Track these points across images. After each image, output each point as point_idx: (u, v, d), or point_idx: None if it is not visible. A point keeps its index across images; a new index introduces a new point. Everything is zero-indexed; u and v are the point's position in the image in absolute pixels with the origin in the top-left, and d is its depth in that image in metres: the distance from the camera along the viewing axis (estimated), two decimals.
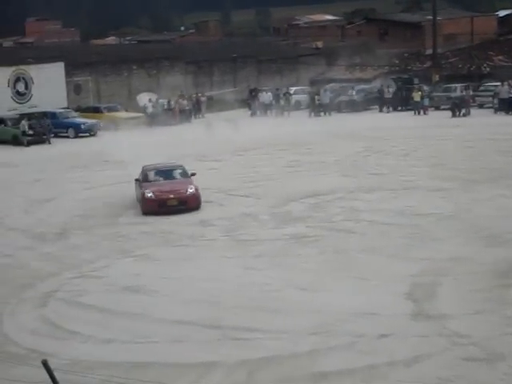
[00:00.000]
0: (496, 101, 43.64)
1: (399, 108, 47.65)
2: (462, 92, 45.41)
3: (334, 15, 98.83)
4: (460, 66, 55.02)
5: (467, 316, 13.48)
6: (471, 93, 45.81)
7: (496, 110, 43.45)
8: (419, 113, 45.30)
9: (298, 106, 50.00)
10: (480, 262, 16.46)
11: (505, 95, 43.13)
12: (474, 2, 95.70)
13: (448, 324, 13.12)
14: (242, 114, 48.09)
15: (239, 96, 53.31)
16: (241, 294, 15.22)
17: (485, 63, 54.35)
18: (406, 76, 51.43)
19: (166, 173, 23.34)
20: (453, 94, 45.58)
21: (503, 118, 41.15)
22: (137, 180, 23.15)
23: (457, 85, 47.01)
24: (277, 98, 49.35)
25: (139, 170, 23.59)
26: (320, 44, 67.24)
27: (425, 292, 14.87)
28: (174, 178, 23.19)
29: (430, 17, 55.22)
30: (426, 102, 45.72)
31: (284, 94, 49.59)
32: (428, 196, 23.12)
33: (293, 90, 51.40)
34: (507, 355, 11.74)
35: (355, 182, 25.60)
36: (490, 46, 57.78)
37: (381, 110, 47.72)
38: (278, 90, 50.28)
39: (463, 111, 43.36)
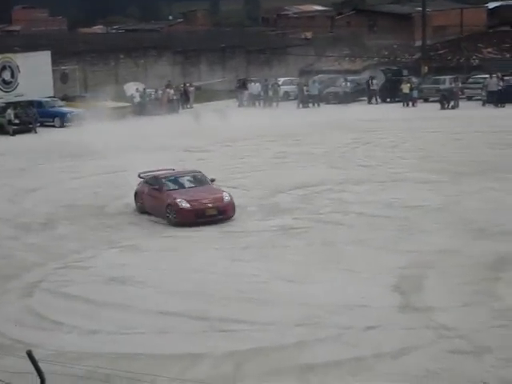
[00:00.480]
0: (484, 93, 43.68)
1: (388, 100, 47.64)
2: (450, 84, 45.39)
3: (323, 6, 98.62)
4: (449, 57, 55.02)
5: (454, 309, 13.47)
6: (460, 85, 45.79)
7: (484, 103, 43.49)
8: (408, 105, 45.29)
9: (286, 97, 49.90)
10: (468, 254, 16.45)
11: (493, 88, 43.14)
12: None
13: (435, 316, 13.10)
14: (231, 104, 47.98)
15: (228, 86, 53.17)
16: (228, 285, 15.15)
17: (474, 55, 54.37)
18: (395, 67, 51.39)
19: (187, 179, 21.11)
20: (442, 86, 45.55)
21: (492, 111, 41.20)
22: (155, 189, 20.59)
23: (446, 77, 46.98)
24: (265, 88, 49.22)
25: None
26: (309, 35, 67.13)
27: (412, 284, 14.84)
28: (197, 185, 20.87)
29: (420, 8, 55.16)
30: (415, 93, 45.69)
31: (272, 85, 49.47)
32: (416, 188, 23.10)
33: (281, 80, 51.28)
34: (494, 348, 11.73)
35: (343, 174, 25.56)
36: (479, 38, 57.77)
37: (369, 102, 47.68)
38: (266, 80, 50.16)
39: (452, 103, 43.37)
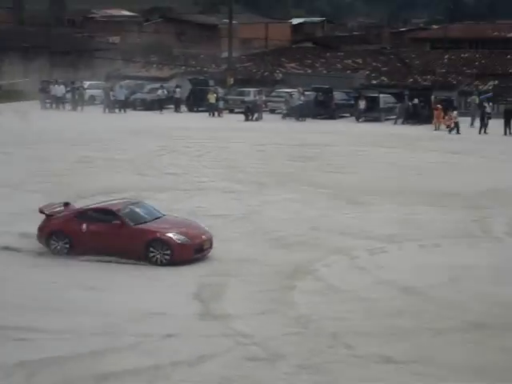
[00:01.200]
0: (286, 107, 45.12)
1: (195, 109, 48.15)
2: (255, 96, 46.54)
3: (131, 11, 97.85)
4: (254, 70, 56.33)
5: (252, 316, 13.76)
6: (264, 98, 47.04)
7: (285, 116, 44.95)
8: (214, 114, 45.93)
9: (92, 101, 49.18)
10: (266, 263, 16.86)
11: (295, 102, 44.63)
12: (270, 9, 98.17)
13: (233, 324, 13.32)
14: (33, 106, 46.58)
15: (31, 87, 51.55)
16: (24, 293, 14.69)
17: (278, 69, 55.97)
18: (201, 77, 51.95)
19: (142, 211, 17.89)
20: (246, 98, 46.65)
21: (293, 124, 42.54)
22: (110, 224, 17.11)
23: (250, 89, 48.17)
24: (72, 91, 48.28)
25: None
26: (116, 39, 66.51)
27: (212, 292, 15.04)
28: (157, 216, 17.90)
29: (227, 20, 56.10)
30: (221, 104, 46.44)
31: (78, 88, 48.57)
32: (220, 197, 23.44)
33: (87, 84, 50.47)
34: (287, 355, 12.07)
35: (149, 181, 25.51)
36: (283, 53, 59.56)
37: (176, 110, 47.93)
38: (73, 83, 49.22)
39: (256, 115, 44.43)
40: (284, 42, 65.36)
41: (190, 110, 48.23)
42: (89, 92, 49.56)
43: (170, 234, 16.96)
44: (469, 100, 44.75)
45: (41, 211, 17.97)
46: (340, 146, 33.78)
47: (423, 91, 46.51)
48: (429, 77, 51.49)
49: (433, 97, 44.27)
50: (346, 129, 40.40)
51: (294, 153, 31.91)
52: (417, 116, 43.05)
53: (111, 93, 47.34)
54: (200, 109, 47.47)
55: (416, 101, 43.43)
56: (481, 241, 18.79)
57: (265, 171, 27.80)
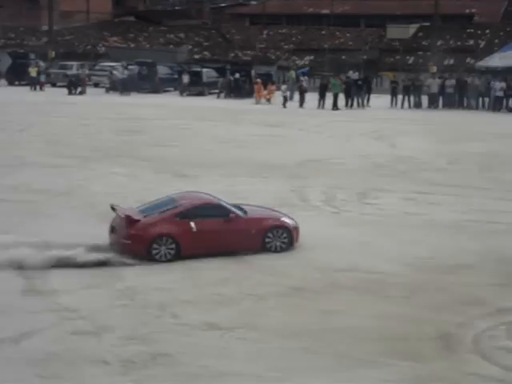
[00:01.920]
0: (109, 81, 44.89)
1: (16, 83, 47.08)
2: (78, 70, 45.96)
3: None
4: (76, 44, 55.34)
5: (78, 291, 13.76)
6: (87, 71, 46.49)
7: (108, 90, 44.71)
8: (36, 88, 44.98)
9: None
10: (94, 237, 16.65)
11: (118, 76, 44.44)
12: None
13: (58, 299, 13.29)
14: None
15: None
16: None
17: (100, 43, 55.25)
18: (21, 50, 50.67)
19: (221, 200, 16.65)
20: (69, 72, 45.98)
21: (117, 98, 42.35)
22: (222, 220, 15.94)
23: (73, 63, 47.53)
24: None
25: None
26: None
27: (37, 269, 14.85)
28: (239, 205, 17.01)
29: None
30: (43, 77, 45.63)
31: None
32: (43, 172, 23.06)
33: None
34: (115, 327, 12.20)
35: None
36: (105, 27, 58.83)
37: None
38: None
39: (79, 89, 43.85)
40: (105, 15, 64.35)
41: (11, 83, 47.01)
42: None
43: (285, 219, 16.44)
44: (287, 75, 46.06)
45: (127, 217, 15.70)
46: (164, 120, 33.96)
47: (244, 66, 47.44)
48: (249, 52, 52.54)
49: (253, 71, 45.26)
50: (170, 103, 40.59)
51: (119, 127, 31.80)
52: (238, 90, 43.87)
53: None
54: (21, 82, 46.39)
55: (237, 75, 44.20)
56: (300, 209, 19.52)
57: (89, 145, 27.57)
